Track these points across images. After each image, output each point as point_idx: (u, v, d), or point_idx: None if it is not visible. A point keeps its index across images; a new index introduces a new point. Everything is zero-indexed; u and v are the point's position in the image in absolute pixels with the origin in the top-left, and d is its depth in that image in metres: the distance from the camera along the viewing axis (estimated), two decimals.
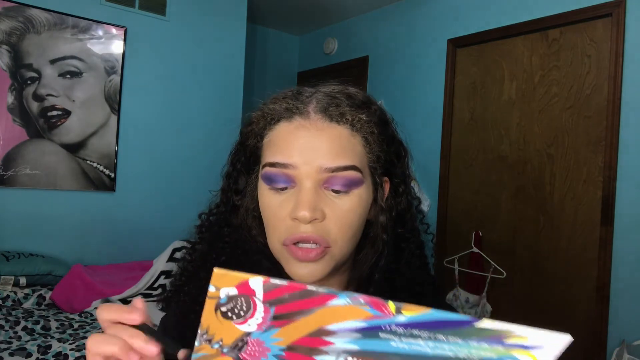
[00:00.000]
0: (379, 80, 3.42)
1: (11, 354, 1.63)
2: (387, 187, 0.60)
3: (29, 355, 1.64)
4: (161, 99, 2.97)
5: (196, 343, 0.38)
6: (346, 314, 0.32)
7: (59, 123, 2.62)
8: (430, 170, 2.98)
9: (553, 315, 2.41)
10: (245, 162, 0.61)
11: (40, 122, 2.57)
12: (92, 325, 1.98)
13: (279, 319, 0.34)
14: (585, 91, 2.34)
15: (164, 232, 2.79)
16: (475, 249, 2.64)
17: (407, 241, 0.61)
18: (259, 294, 0.35)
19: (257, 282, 0.35)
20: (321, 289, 0.33)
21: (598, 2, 2.27)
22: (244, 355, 0.36)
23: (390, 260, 0.59)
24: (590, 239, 2.28)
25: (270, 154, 0.54)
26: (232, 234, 0.61)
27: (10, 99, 2.49)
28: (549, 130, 2.47)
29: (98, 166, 2.75)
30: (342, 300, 0.32)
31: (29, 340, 1.75)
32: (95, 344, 0.40)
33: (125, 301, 2.19)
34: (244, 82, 3.30)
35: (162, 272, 2.33)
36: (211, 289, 0.36)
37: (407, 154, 0.62)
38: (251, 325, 0.35)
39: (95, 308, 2.16)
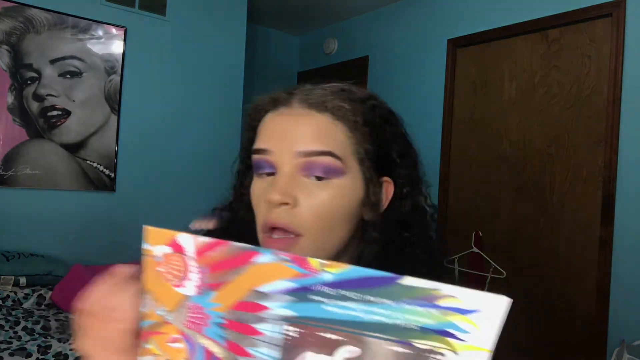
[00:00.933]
0: (379, 80, 3.42)
1: (11, 354, 1.63)
2: (390, 188, 0.58)
3: (29, 355, 1.64)
4: (161, 99, 2.97)
5: (142, 309, 0.38)
6: (274, 273, 0.32)
7: (59, 123, 2.62)
8: (430, 170, 2.97)
9: (553, 315, 2.41)
10: (248, 155, 0.61)
11: (40, 122, 2.57)
12: None
13: (212, 279, 0.34)
14: (585, 91, 2.34)
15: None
16: (475, 249, 2.64)
17: (413, 246, 0.58)
18: (190, 251, 0.35)
19: (186, 239, 0.35)
20: (244, 245, 0.33)
21: (598, 2, 2.27)
22: (186, 323, 0.36)
23: (393, 265, 0.56)
24: (590, 239, 2.28)
25: (256, 142, 0.56)
26: (239, 228, 0.61)
27: (10, 99, 2.49)
28: (549, 130, 2.47)
29: (98, 166, 2.75)
30: (266, 257, 0.33)
31: (29, 340, 1.75)
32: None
33: None
34: (244, 82, 3.30)
35: None
36: (145, 246, 0.36)
37: (416, 156, 0.61)
38: (188, 287, 0.35)
39: None
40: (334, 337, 0.30)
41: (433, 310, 0.28)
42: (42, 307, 2.17)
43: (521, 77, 2.61)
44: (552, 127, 2.46)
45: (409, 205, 0.59)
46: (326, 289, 0.31)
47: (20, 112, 2.52)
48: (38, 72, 2.55)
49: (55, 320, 1.97)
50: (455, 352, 0.27)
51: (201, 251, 0.35)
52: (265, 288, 0.32)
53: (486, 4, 2.77)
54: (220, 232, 0.62)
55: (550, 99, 2.48)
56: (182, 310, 0.36)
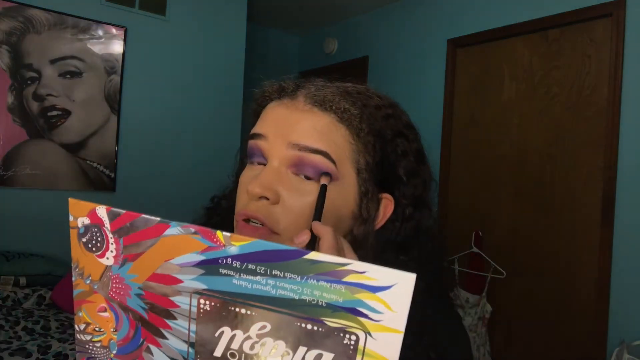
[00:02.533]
0: (379, 80, 3.42)
1: (11, 354, 1.63)
2: (390, 206, 0.53)
3: (29, 355, 1.64)
4: (161, 99, 2.97)
5: (73, 277, 0.39)
6: (184, 246, 0.33)
7: (59, 123, 2.62)
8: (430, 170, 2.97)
9: (553, 315, 2.41)
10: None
11: (40, 122, 2.57)
12: None
13: (129, 251, 0.35)
14: (585, 91, 2.34)
15: None
16: (475, 249, 2.64)
17: (412, 271, 0.54)
18: (107, 223, 0.36)
19: (102, 211, 0.36)
20: (154, 218, 0.34)
21: (598, 2, 2.27)
22: (111, 293, 0.37)
23: None
24: (590, 239, 2.28)
25: (253, 128, 0.54)
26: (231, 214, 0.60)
27: (10, 99, 2.49)
28: (549, 130, 2.47)
29: (98, 166, 2.75)
30: (174, 230, 0.33)
31: (29, 340, 1.75)
32: None
33: None
34: (244, 82, 3.30)
35: None
36: (70, 218, 0.37)
37: (429, 177, 0.56)
38: (109, 258, 0.36)
39: None
40: (245, 311, 0.31)
41: (340, 286, 0.28)
42: (42, 307, 2.17)
43: (521, 77, 2.61)
44: (552, 127, 2.46)
45: (410, 228, 0.53)
46: (234, 262, 0.31)
47: (20, 112, 2.52)
48: (38, 72, 2.55)
49: (55, 320, 1.97)
50: (368, 333, 0.27)
51: (116, 223, 0.36)
52: (176, 261, 0.33)
53: (486, 4, 2.77)
54: (218, 221, 0.61)
55: (550, 99, 2.48)
56: (106, 281, 0.37)
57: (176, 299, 0.34)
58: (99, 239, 0.36)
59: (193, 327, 0.33)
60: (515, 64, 2.64)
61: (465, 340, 0.58)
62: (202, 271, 0.32)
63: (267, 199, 0.48)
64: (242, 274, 0.31)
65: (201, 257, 0.32)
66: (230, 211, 0.59)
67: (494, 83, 2.74)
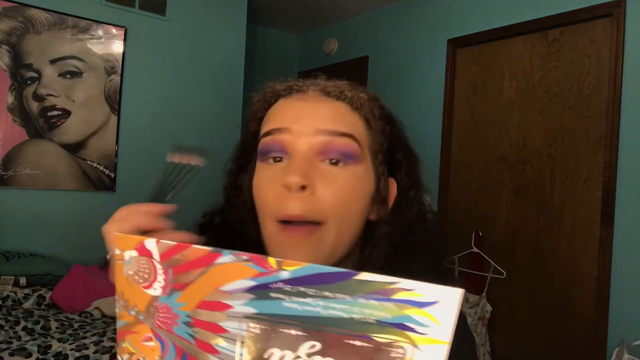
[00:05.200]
0: (379, 80, 3.42)
1: (11, 354, 1.63)
2: (393, 189, 0.55)
3: (29, 355, 1.64)
4: (161, 99, 2.97)
5: (116, 309, 0.40)
6: (235, 273, 0.33)
7: (59, 123, 2.62)
8: (430, 170, 2.98)
9: (553, 315, 2.41)
10: (246, 150, 0.58)
11: (40, 122, 2.57)
12: (92, 325, 1.98)
13: (178, 280, 0.36)
14: (585, 91, 2.34)
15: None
16: (475, 249, 2.64)
17: (417, 252, 0.55)
18: (156, 255, 0.36)
19: (151, 244, 0.37)
20: (206, 247, 0.34)
21: (598, 2, 2.27)
22: (157, 323, 0.37)
23: (397, 270, 0.53)
24: (590, 239, 2.28)
25: (265, 126, 0.53)
26: (229, 231, 0.59)
27: (10, 99, 2.49)
28: (549, 130, 2.47)
29: (98, 166, 2.75)
30: (226, 258, 0.33)
31: (29, 340, 1.75)
32: (120, 218, 0.48)
33: None
34: (244, 82, 3.30)
35: None
36: (116, 251, 0.38)
37: (418, 162, 0.58)
38: (156, 288, 0.37)
39: (96, 308, 2.16)
40: (295, 332, 0.31)
41: (389, 304, 0.29)
42: (42, 307, 2.17)
43: (521, 77, 2.61)
44: (552, 127, 2.46)
45: (415, 210, 0.56)
46: (285, 286, 0.31)
47: (20, 112, 2.52)
48: (38, 72, 2.55)
49: (55, 320, 1.97)
50: (415, 346, 0.28)
51: (165, 254, 0.36)
52: (227, 287, 0.34)
53: (486, 4, 2.77)
54: (213, 237, 0.60)
55: (550, 99, 2.48)
56: (153, 311, 0.38)
57: (225, 324, 0.34)
58: (147, 270, 0.37)
59: (243, 350, 0.33)
60: (515, 64, 2.64)
61: (471, 342, 0.57)
62: (252, 296, 0.33)
63: (306, 187, 0.47)
64: (292, 297, 0.31)
65: (252, 283, 0.33)
66: (223, 227, 0.59)
67: (494, 83, 2.74)
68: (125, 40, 2.79)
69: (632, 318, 2.10)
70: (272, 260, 0.32)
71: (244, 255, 0.33)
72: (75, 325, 1.96)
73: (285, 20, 3.94)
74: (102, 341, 1.74)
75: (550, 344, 2.41)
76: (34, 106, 2.55)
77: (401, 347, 0.28)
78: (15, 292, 2.18)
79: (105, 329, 1.88)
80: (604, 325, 2.18)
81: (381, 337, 0.29)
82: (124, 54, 2.80)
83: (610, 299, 2.18)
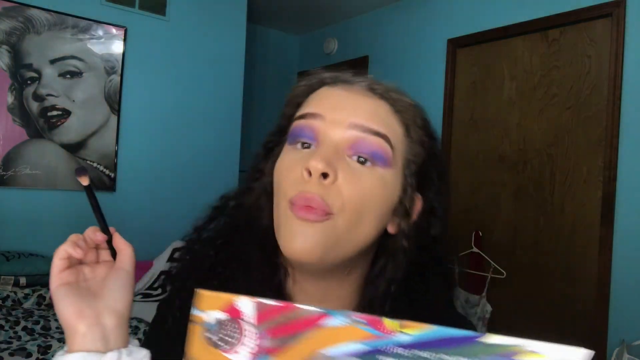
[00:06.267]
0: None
1: (11, 354, 1.63)
2: (418, 205, 0.53)
3: (29, 355, 1.64)
4: (161, 99, 2.97)
5: None
6: (343, 335, 0.30)
7: (59, 123, 2.62)
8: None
9: (553, 315, 2.41)
10: (277, 134, 0.56)
11: (40, 122, 2.57)
12: None
13: (272, 344, 0.32)
14: (585, 91, 2.34)
15: (164, 232, 2.79)
16: (475, 249, 2.64)
17: (434, 271, 0.55)
18: (249, 316, 0.32)
19: (246, 304, 0.32)
20: (314, 308, 0.31)
21: (598, 2, 2.27)
22: None
23: (414, 287, 0.53)
24: (590, 239, 2.28)
25: (302, 109, 0.51)
26: (242, 215, 0.56)
27: (10, 99, 2.49)
28: (549, 130, 2.47)
29: (98, 166, 2.75)
30: (337, 320, 0.30)
31: (29, 340, 1.75)
32: (56, 252, 0.45)
33: None
34: (244, 82, 3.30)
35: (162, 273, 2.33)
36: (195, 312, 0.33)
37: (449, 186, 0.56)
38: (242, 353, 0.32)
39: None
40: None
41: None
42: (42, 307, 2.17)
43: (521, 77, 2.61)
44: (552, 127, 2.46)
45: (438, 229, 0.54)
46: (400, 350, 0.28)
47: (20, 112, 2.52)
48: (38, 72, 2.55)
49: (55, 320, 1.97)
50: None
51: (262, 315, 0.32)
52: (329, 351, 0.30)
53: (486, 4, 2.77)
54: (226, 221, 0.58)
55: (550, 99, 2.48)
56: None
57: None
58: (232, 333, 0.33)
59: None
60: (515, 64, 2.64)
61: None
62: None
63: (327, 176, 0.45)
64: None
65: (362, 347, 0.29)
66: (237, 210, 0.57)
67: (494, 83, 2.74)
68: (125, 40, 2.79)
69: (632, 318, 2.10)
70: (389, 323, 0.29)
71: (358, 317, 0.29)
72: None
73: (285, 20, 3.94)
74: None
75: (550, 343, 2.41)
76: (34, 106, 2.55)
77: None
78: (15, 292, 2.18)
79: None
80: (604, 325, 2.18)
81: None
82: (124, 54, 2.80)
83: (610, 299, 2.17)
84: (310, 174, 0.45)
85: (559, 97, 2.44)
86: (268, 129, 0.58)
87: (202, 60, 3.11)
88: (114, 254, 0.50)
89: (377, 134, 0.47)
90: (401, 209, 0.50)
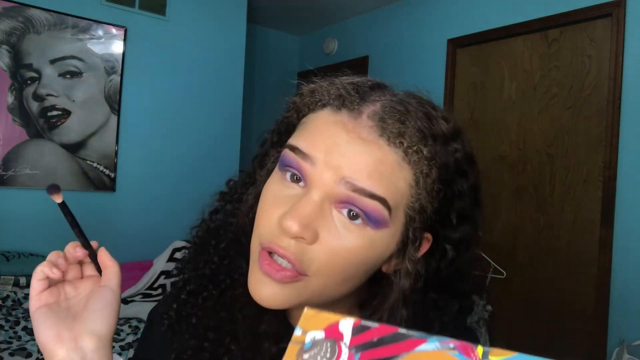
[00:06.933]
0: None
1: (11, 354, 1.63)
2: (426, 245, 0.47)
3: (29, 355, 1.64)
4: (161, 99, 2.97)
5: None
6: None
7: (59, 123, 2.62)
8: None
9: (553, 315, 2.41)
10: (277, 136, 0.52)
11: (40, 122, 2.57)
12: None
13: None
14: (585, 91, 2.34)
15: (164, 232, 2.79)
16: None
17: (440, 310, 0.51)
18: (347, 338, 0.31)
19: (347, 325, 0.31)
20: (413, 332, 0.30)
21: (598, 2, 2.27)
22: None
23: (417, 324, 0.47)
24: (590, 239, 2.28)
25: (297, 137, 0.45)
26: (236, 223, 0.53)
27: (10, 99, 2.49)
28: (549, 130, 2.47)
29: (98, 166, 2.75)
30: (431, 345, 0.29)
31: (29, 340, 1.75)
32: (34, 273, 0.46)
33: (126, 301, 2.19)
34: (244, 82, 3.30)
35: (162, 272, 2.33)
36: (297, 332, 0.32)
37: (479, 216, 0.49)
38: None
39: None
40: None
41: None
42: None
43: (521, 77, 2.61)
44: (552, 127, 2.46)
45: (446, 271, 0.49)
46: None
47: (20, 112, 2.52)
48: (38, 72, 2.55)
49: None
50: None
51: (360, 337, 0.31)
52: None
53: (486, 4, 2.77)
54: (231, 208, 0.55)
55: (550, 99, 2.48)
56: None
57: None
58: (327, 354, 0.31)
59: None
60: (515, 64, 2.64)
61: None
62: None
63: (302, 239, 0.41)
64: None
65: None
66: (233, 217, 0.54)
67: (494, 83, 2.74)
68: (125, 40, 2.79)
69: (632, 318, 2.10)
70: (481, 351, 0.28)
71: (452, 344, 0.29)
72: None
73: (285, 20, 3.94)
74: None
75: (551, 343, 2.41)
76: (34, 106, 2.55)
77: None
78: (15, 292, 2.18)
79: None
80: (604, 325, 2.18)
81: None
82: (124, 54, 2.80)
83: (610, 299, 2.17)
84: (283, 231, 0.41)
85: (559, 97, 2.44)
86: (268, 129, 0.56)
87: (202, 60, 3.11)
88: (99, 269, 0.49)
89: (374, 197, 0.41)
90: (399, 256, 0.45)
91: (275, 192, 0.44)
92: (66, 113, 2.64)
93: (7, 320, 1.89)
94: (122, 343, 1.79)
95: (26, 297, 2.19)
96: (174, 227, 2.78)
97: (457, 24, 2.92)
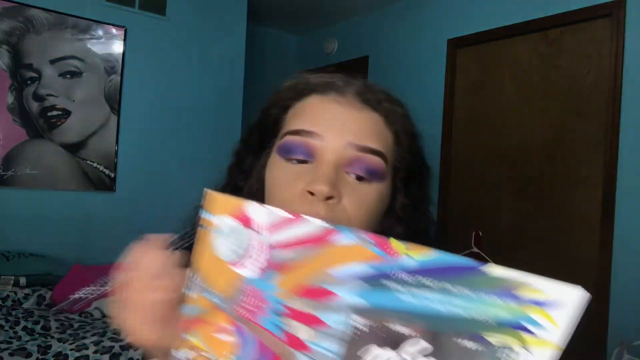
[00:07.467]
0: (379, 80, 3.38)
1: (11, 354, 1.63)
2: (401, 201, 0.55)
3: (29, 355, 1.64)
4: (161, 99, 2.97)
5: (186, 290, 0.33)
6: (350, 255, 0.29)
7: (59, 123, 2.62)
8: (430, 170, 2.97)
9: None
10: (261, 135, 0.55)
11: (40, 122, 2.57)
12: (92, 325, 1.98)
13: (279, 260, 0.30)
14: (585, 91, 2.34)
15: (164, 232, 2.78)
16: (475, 249, 2.64)
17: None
18: (261, 225, 0.30)
19: (256, 209, 0.30)
20: (322, 222, 0.30)
21: (598, 2, 2.27)
22: (239, 310, 0.31)
23: None
24: (590, 239, 2.28)
25: (294, 123, 0.50)
26: None
27: (10, 99, 2.49)
28: (549, 130, 2.47)
29: (98, 166, 2.75)
30: (346, 237, 0.29)
31: (29, 340, 1.75)
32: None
33: None
34: (244, 82, 3.30)
35: None
36: (205, 215, 0.31)
37: (429, 176, 0.59)
38: (249, 267, 0.30)
39: (96, 308, 2.16)
40: (403, 330, 0.27)
41: (512, 302, 0.26)
42: (42, 307, 2.17)
43: (521, 77, 2.61)
44: (552, 127, 2.46)
45: (424, 223, 0.56)
46: (404, 276, 0.27)
47: (20, 112, 2.52)
48: (38, 72, 2.55)
49: (55, 320, 1.97)
50: (525, 348, 0.25)
51: (275, 226, 0.30)
52: (337, 271, 0.29)
53: (486, 4, 2.77)
54: (242, 178, 0.58)
55: (550, 99, 2.48)
56: (236, 295, 0.31)
57: (325, 316, 0.29)
58: (240, 244, 0.30)
59: (340, 349, 0.28)
60: (515, 64, 2.64)
61: None
62: (364, 284, 0.28)
63: (333, 198, 0.45)
64: (411, 289, 0.27)
65: (368, 269, 0.28)
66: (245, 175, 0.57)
67: (494, 83, 2.74)
68: (125, 40, 2.79)
69: (632, 318, 2.10)
70: (396, 245, 0.28)
71: (367, 236, 0.29)
72: (75, 325, 1.96)
73: (285, 20, 3.94)
74: (102, 341, 1.74)
75: None
76: (34, 106, 2.55)
77: (510, 349, 0.25)
78: (15, 292, 2.18)
79: (105, 329, 1.88)
80: (604, 325, 2.18)
81: (493, 337, 0.26)
82: (124, 54, 2.80)
83: (610, 299, 2.17)
84: (312, 194, 0.45)
85: (559, 97, 2.44)
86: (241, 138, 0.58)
87: (202, 60, 3.11)
88: None
89: (375, 152, 0.48)
90: (392, 214, 0.52)
91: (288, 175, 0.48)
92: (66, 113, 2.64)
93: (7, 320, 1.89)
94: (122, 343, 1.80)
95: (26, 297, 2.19)
96: (173, 227, 2.77)
97: (457, 24, 2.92)
